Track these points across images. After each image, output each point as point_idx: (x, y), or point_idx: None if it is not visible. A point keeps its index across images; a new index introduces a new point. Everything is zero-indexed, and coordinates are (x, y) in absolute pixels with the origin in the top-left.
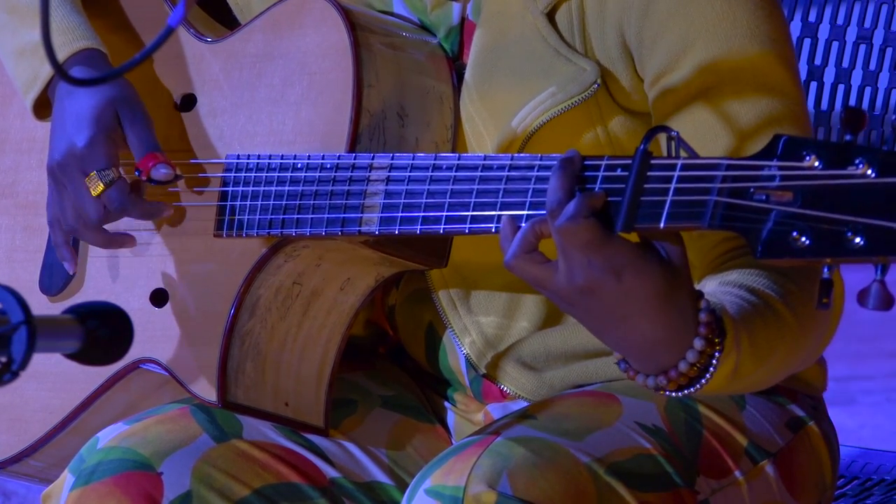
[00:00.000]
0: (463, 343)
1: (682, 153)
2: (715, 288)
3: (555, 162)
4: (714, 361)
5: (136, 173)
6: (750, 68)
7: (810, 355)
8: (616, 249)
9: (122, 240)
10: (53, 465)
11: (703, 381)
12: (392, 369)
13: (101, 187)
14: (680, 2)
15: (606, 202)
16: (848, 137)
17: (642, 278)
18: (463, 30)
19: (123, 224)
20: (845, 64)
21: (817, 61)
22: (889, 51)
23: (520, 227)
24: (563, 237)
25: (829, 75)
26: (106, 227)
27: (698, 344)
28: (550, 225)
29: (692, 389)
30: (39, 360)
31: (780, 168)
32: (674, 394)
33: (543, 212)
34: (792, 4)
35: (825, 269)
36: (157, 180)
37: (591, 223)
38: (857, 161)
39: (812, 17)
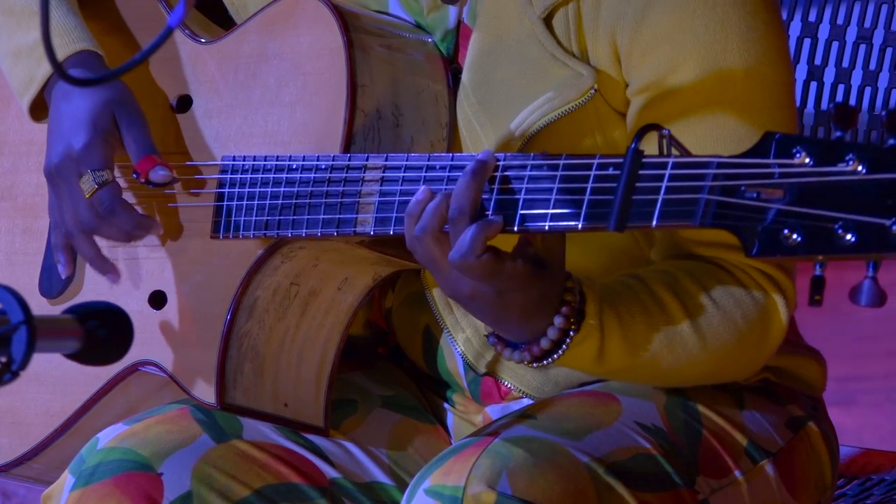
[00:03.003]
0: (457, 340)
1: (674, 151)
2: (618, 277)
3: (546, 161)
4: (567, 339)
5: (134, 175)
6: (732, 92)
7: (720, 370)
8: (506, 277)
9: (107, 267)
10: (53, 467)
11: (555, 355)
12: (392, 370)
13: (94, 188)
14: (674, 20)
15: (503, 229)
16: (839, 134)
17: (524, 292)
18: (459, 33)
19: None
20: (845, 64)
21: (817, 61)
22: (889, 51)
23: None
24: (456, 270)
25: (829, 75)
26: (103, 247)
27: (558, 321)
28: (451, 236)
29: (547, 361)
30: (39, 363)
31: (771, 165)
32: (535, 364)
33: (538, 211)
34: (792, 4)
35: (817, 266)
36: (155, 182)
37: (483, 261)
38: (847, 157)
39: (812, 17)
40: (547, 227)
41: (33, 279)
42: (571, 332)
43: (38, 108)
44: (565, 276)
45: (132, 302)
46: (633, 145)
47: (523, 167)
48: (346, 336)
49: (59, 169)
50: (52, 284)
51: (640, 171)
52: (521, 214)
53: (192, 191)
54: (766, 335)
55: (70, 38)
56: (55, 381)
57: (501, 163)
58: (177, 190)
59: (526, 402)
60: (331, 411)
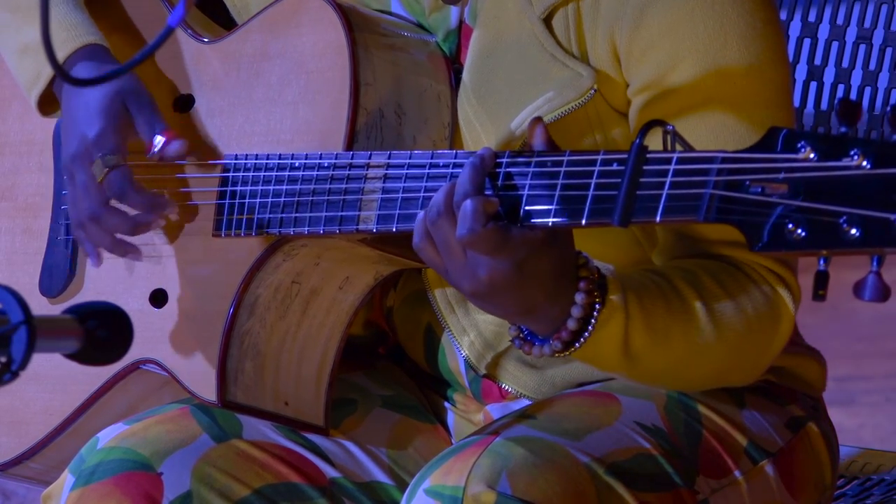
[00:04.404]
0: (462, 344)
1: (678, 147)
2: (631, 271)
3: (549, 157)
4: (595, 314)
5: (149, 154)
6: (731, 91)
7: (733, 366)
8: (517, 245)
9: (128, 248)
10: (53, 467)
11: (586, 333)
12: (392, 369)
13: (104, 172)
14: (672, 19)
15: (502, 203)
16: (843, 129)
17: (538, 257)
18: (461, 33)
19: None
20: (845, 64)
21: (817, 61)
22: (889, 51)
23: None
24: (467, 246)
25: (829, 75)
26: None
27: (579, 298)
28: (458, 220)
29: (577, 344)
30: (39, 363)
31: (776, 160)
32: (565, 353)
33: (541, 207)
34: (792, 4)
35: (821, 261)
36: (170, 156)
37: (490, 231)
38: (852, 153)
39: (812, 17)
40: (550, 224)
41: (33, 279)
42: (597, 306)
43: (47, 103)
44: (576, 251)
45: (133, 300)
46: (637, 141)
47: (527, 164)
48: (346, 335)
49: (74, 158)
50: (52, 284)
51: (645, 167)
52: (525, 211)
53: (194, 189)
54: (776, 328)
55: (77, 32)
56: (55, 380)
57: (505, 160)
58: (179, 188)
59: (526, 401)
60: (331, 410)
